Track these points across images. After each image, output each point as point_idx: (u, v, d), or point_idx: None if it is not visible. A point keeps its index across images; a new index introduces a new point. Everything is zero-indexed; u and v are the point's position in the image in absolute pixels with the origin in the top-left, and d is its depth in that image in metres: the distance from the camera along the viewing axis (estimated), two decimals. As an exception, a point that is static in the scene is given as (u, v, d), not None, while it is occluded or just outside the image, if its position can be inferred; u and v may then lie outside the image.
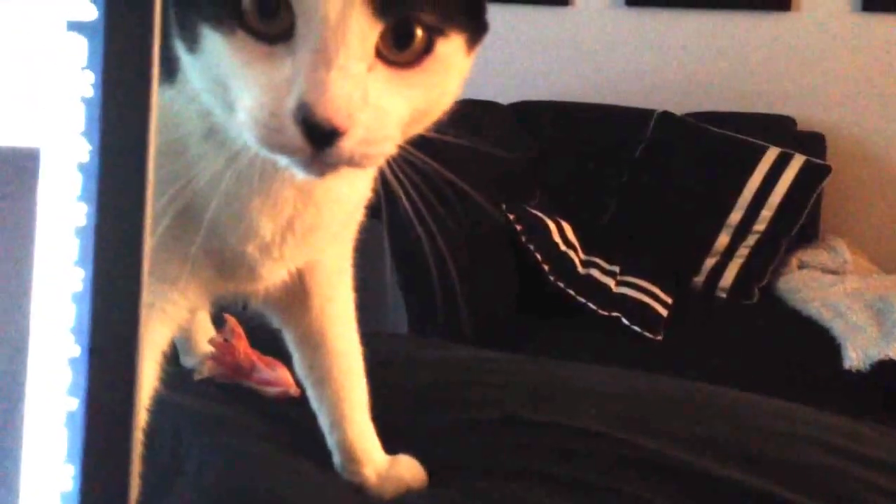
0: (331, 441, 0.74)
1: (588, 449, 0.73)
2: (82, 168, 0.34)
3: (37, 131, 0.34)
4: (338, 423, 0.73)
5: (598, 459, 0.71)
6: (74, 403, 0.34)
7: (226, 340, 0.84)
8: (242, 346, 0.84)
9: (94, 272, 0.34)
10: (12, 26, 0.34)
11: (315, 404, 0.75)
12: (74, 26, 0.33)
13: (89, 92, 0.33)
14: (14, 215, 0.34)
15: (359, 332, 0.77)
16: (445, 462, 0.73)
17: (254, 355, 0.84)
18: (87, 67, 0.33)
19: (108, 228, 0.33)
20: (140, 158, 0.33)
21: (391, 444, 0.75)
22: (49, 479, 0.34)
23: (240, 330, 0.85)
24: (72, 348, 0.34)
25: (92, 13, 0.33)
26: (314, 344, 0.74)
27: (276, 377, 0.83)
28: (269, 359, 0.84)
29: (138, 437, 0.34)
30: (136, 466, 0.33)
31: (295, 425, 0.77)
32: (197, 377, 0.85)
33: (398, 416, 0.77)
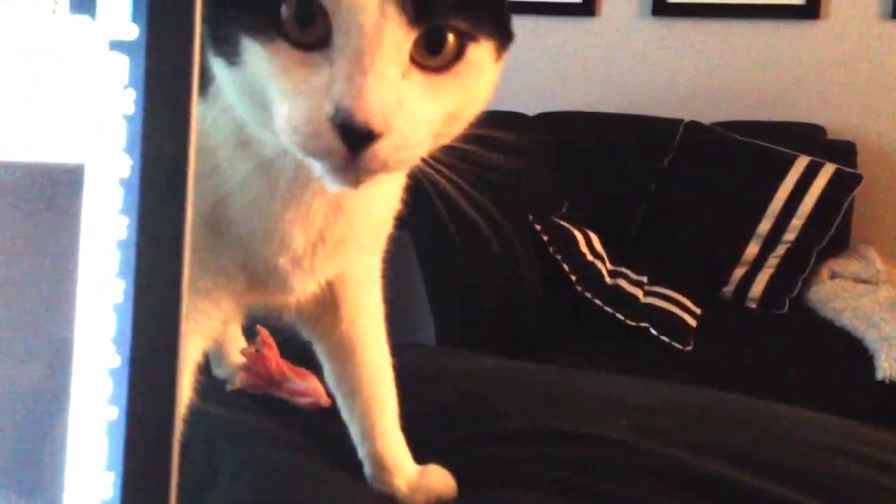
0: (361, 452, 0.74)
1: (615, 460, 0.73)
2: (124, 182, 0.34)
3: (81, 148, 0.35)
4: (368, 434, 0.74)
5: (625, 471, 0.71)
6: (115, 412, 0.35)
7: (257, 351, 0.85)
8: (274, 356, 0.85)
9: (135, 284, 0.34)
10: (57, 47, 0.35)
11: (346, 415, 0.75)
12: (116, 46, 0.34)
13: (131, 109, 0.34)
14: (60, 228, 0.35)
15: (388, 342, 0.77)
16: (470, 472, 0.73)
17: (285, 366, 0.85)
18: (129, 86, 0.34)
19: (149, 241, 0.34)
20: (180, 173, 0.34)
21: (418, 453, 0.75)
22: (90, 486, 0.35)
23: (271, 341, 0.86)
24: (113, 358, 0.35)
25: (133, 33, 0.34)
26: (344, 355, 0.74)
27: (307, 388, 0.84)
28: (300, 369, 0.85)
29: (177, 446, 0.34)
30: (176, 475, 0.34)
31: (326, 436, 0.78)
32: (229, 388, 0.86)
33: (425, 427, 0.78)
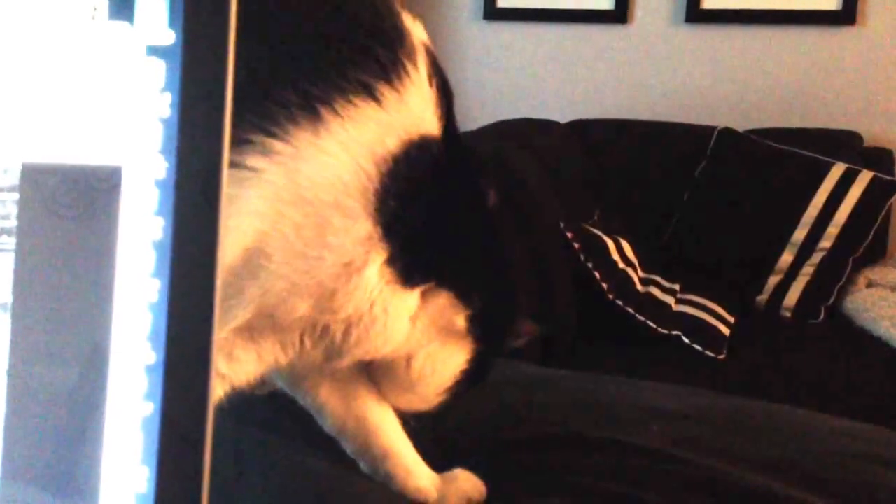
0: (382, 472, 0.73)
1: (649, 468, 0.72)
2: (160, 184, 0.35)
3: (119, 151, 0.36)
4: (390, 450, 0.73)
5: (659, 479, 0.71)
6: (150, 408, 0.35)
7: None
8: None
9: (170, 283, 0.35)
10: (96, 52, 0.36)
11: (355, 448, 0.73)
12: (153, 51, 0.35)
13: (167, 112, 0.35)
14: (98, 229, 0.36)
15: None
16: (506, 480, 0.74)
17: None
18: (166, 89, 0.35)
19: (183, 241, 0.35)
20: (214, 174, 0.35)
21: (453, 460, 0.75)
22: (126, 480, 0.36)
23: None
24: (148, 356, 0.36)
25: (170, 38, 0.35)
26: (347, 388, 0.72)
27: None
28: None
29: (210, 441, 0.35)
30: (208, 469, 0.35)
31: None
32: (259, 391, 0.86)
33: (461, 434, 0.78)
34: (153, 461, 0.35)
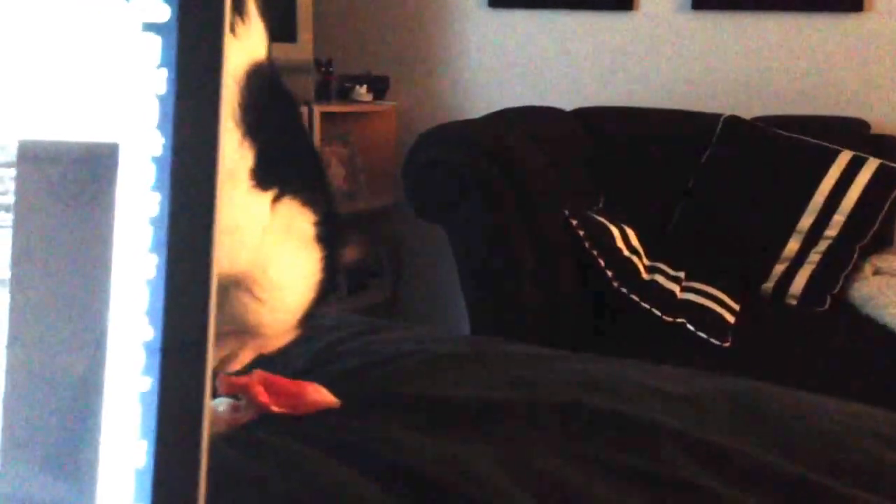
0: None
1: (651, 440, 0.73)
2: (156, 160, 0.36)
3: (116, 127, 0.36)
4: None
5: (660, 451, 0.71)
6: (148, 383, 0.36)
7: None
8: (259, 381, 0.79)
9: (167, 259, 0.35)
10: (92, 29, 0.36)
11: None
12: (149, 27, 0.36)
13: (163, 88, 0.35)
14: (96, 205, 0.36)
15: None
16: (515, 447, 0.74)
17: (280, 383, 0.80)
18: (162, 65, 0.35)
19: (180, 216, 0.35)
20: (210, 150, 0.35)
21: (466, 430, 0.76)
22: (124, 454, 0.36)
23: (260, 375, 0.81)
24: (146, 331, 0.36)
25: (165, 14, 0.35)
26: None
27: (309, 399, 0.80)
28: (298, 382, 0.81)
29: (208, 416, 0.35)
30: (207, 444, 0.35)
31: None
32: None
33: (471, 404, 0.79)
34: (151, 435, 0.36)
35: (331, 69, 2.80)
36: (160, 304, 0.36)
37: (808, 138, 2.32)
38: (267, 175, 0.64)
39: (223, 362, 0.75)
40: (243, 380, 0.77)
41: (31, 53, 0.36)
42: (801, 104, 2.57)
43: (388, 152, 2.95)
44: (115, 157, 0.36)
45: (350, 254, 0.78)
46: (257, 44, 0.62)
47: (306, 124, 0.71)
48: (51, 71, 0.36)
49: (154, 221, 0.36)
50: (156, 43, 0.35)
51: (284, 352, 0.79)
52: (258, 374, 0.78)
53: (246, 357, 0.76)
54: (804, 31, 2.61)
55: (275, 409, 0.77)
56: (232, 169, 0.61)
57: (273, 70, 0.65)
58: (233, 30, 0.59)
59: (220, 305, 0.71)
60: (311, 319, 0.75)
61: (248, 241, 0.65)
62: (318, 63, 2.74)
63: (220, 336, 0.73)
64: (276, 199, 0.67)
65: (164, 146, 0.36)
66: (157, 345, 0.36)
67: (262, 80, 0.61)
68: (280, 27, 2.62)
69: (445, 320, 2.90)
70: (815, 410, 0.81)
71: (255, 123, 0.61)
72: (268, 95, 0.63)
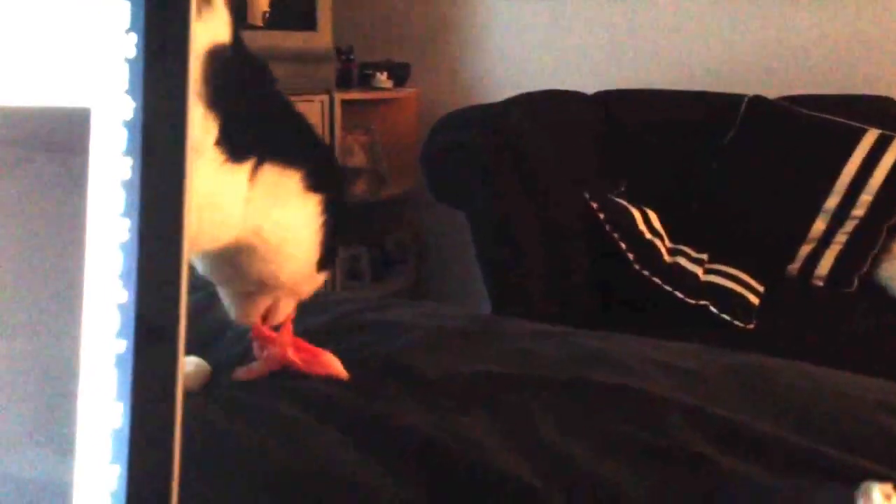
0: None
1: (658, 414, 0.72)
2: (127, 124, 0.36)
3: (87, 92, 0.36)
4: None
5: (668, 424, 0.71)
6: (123, 345, 0.36)
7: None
8: (287, 337, 0.84)
9: (140, 221, 0.36)
10: (65, -5, 0.36)
11: None
12: (119, -8, 0.36)
13: (132, 53, 0.36)
14: (70, 170, 0.36)
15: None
16: (513, 414, 0.74)
17: (298, 344, 0.84)
18: (131, 30, 0.36)
19: (151, 180, 0.36)
20: (180, 113, 0.35)
21: (473, 402, 0.77)
22: (101, 416, 0.36)
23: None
24: (120, 293, 0.36)
25: (134, -21, 0.36)
26: None
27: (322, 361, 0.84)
28: (314, 348, 0.84)
29: (182, 376, 0.36)
30: (181, 402, 0.35)
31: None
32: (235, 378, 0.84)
33: (468, 373, 0.79)
34: (127, 397, 0.36)
35: (351, 56, 2.80)
36: (134, 267, 0.36)
37: (833, 117, 2.28)
38: (239, 148, 0.67)
39: (268, 316, 0.82)
40: (274, 334, 0.83)
41: (2, 21, 0.37)
42: (827, 83, 2.53)
43: (409, 139, 2.95)
44: (87, 121, 0.36)
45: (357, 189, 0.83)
46: (220, 27, 0.64)
47: (276, 89, 0.77)
48: (22, 37, 0.37)
49: (126, 185, 0.36)
50: (124, 7, 0.36)
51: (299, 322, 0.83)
52: (287, 331, 0.83)
53: (286, 307, 0.82)
54: (829, 8, 2.56)
55: (296, 361, 0.82)
56: (197, 145, 0.63)
57: (239, 52, 0.67)
58: (198, 13, 0.62)
59: (234, 272, 0.76)
60: (332, 256, 0.79)
61: (231, 213, 0.68)
62: (338, 51, 2.75)
63: (253, 294, 0.79)
64: (255, 168, 0.69)
65: (135, 110, 0.36)
66: (132, 307, 0.36)
67: (224, 60, 0.63)
68: (300, 15, 2.62)
69: (469, 305, 2.90)
70: (826, 384, 0.80)
71: (217, 99, 0.63)
72: (232, 73, 0.65)
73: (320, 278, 0.83)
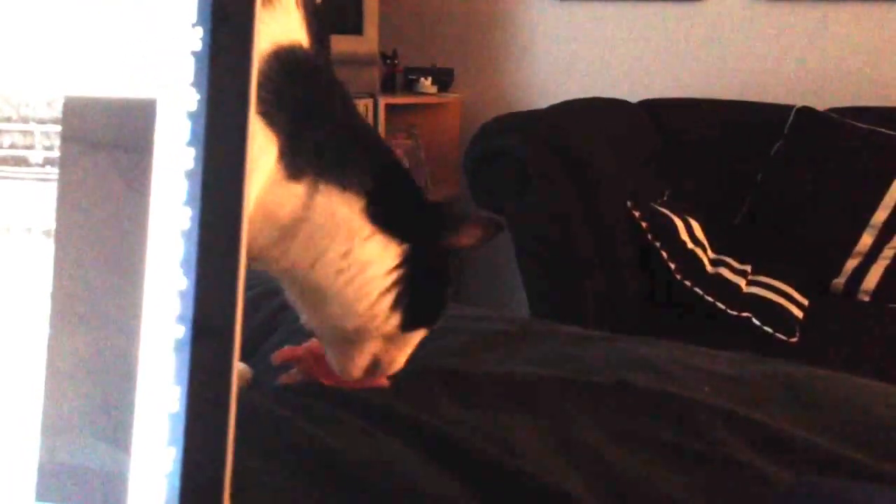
0: None
1: (699, 419, 0.72)
2: (191, 116, 0.37)
3: (154, 83, 0.37)
4: None
5: (708, 430, 0.70)
6: (182, 331, 0.37)
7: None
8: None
9: (201, 211, 0.37)
10: (134, -10, 0.37)
11: None
12: (186, -13, 0.37)
13: (198, 46, 0.37)
14: (135, 159, 0.37)
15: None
16: (552, 416, 0.74)
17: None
18: (197, 24, 0.37)
19: (213, 170, 0.37)
20: (243, 105, 0.36)
21: (513, 402, 0.77)
22: (159, 400, 0.37)
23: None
24: (181, 281, 0.37)
25: (201, -25, 0.37)
26: None
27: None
28: None
29: (237, 361, 0.36)
30: (236, 387, 0.36)
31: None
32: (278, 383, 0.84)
33: (508, 375, 0.79)
34: (185, 381, 0.37)
35: (396, 61, 2.82)
36: (194, 255, 0.37)
37: (882, 129, 2.24)
38: (296, 162, 0.63)
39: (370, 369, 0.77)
40: (298, 351, 0.81)
41: (76, 14, 0.38)
42: (876, 94, 2.49)
43: (452, 144, 2.96)
44: (153, 112, 0.37)
45: (465, 239, 0.75)
46: (290, 28, 0.61)
47: (357, 111, 0.68)
48: (94, 30, 0.38)
49: (189, 175, 0.37)
50: (191, 2, 0.37)
51: None
52: (313, 345, 0.81)
53: (391, 359, 0.78)
54: (878, 19, 2.52)
55: (324, 381, 0.79)
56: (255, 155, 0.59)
57: (306, 57, 0.63)
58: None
59: (314, 313, 0.73)
60: (423, 315, 0.74)
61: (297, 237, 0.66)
62: (383, 55, 2.77)
63: (350, 344, 0.74)
64: (310, 186, 0.65)
65: (199, 102, 0.37)
66: (191, 294, 0.37)
67: (290, 63, 0.60)
68: (347, 20, 2.65)
69: (508, 309, 2.90)
70: (871, 395, 0.78)
71: (281, 103, 0.60)
72: (300, 77, 0.62)
73: (410, 338, 0.75)
